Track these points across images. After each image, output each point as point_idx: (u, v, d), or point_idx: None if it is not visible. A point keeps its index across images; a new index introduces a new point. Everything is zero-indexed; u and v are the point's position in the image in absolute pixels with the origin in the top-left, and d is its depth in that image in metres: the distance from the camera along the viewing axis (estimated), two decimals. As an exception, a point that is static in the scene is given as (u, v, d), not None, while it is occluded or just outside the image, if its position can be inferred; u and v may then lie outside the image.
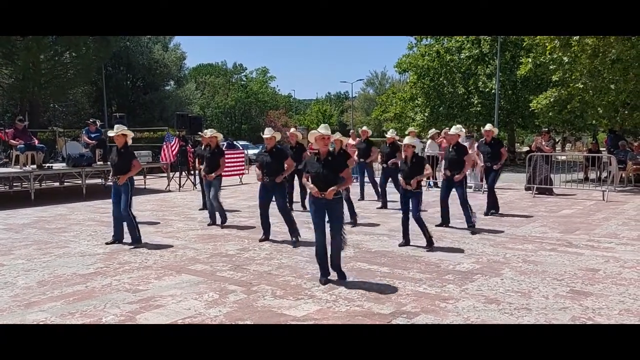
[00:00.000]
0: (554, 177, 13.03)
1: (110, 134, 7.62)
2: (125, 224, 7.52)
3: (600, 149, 19.79)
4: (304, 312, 4.61)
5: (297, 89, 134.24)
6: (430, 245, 6.97)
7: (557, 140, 28.53)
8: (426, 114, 26.08)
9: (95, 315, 4.59)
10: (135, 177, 7.57)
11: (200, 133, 12.08)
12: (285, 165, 7.54)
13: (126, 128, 7.59)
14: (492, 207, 9.80)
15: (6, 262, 6.53)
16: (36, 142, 13.58)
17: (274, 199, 7.50)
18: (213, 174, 8.84)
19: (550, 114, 17.40)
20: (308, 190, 5.60)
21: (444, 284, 5.38)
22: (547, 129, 14.58)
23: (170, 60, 36.51)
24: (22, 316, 4.58)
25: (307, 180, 5.54)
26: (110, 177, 7.78)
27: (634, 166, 15.13)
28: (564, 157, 17.97)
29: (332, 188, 5.27)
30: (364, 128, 12.02)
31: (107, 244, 7.54)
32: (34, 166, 12.72)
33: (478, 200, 11.83)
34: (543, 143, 13.01)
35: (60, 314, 4.63)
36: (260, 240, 7.62)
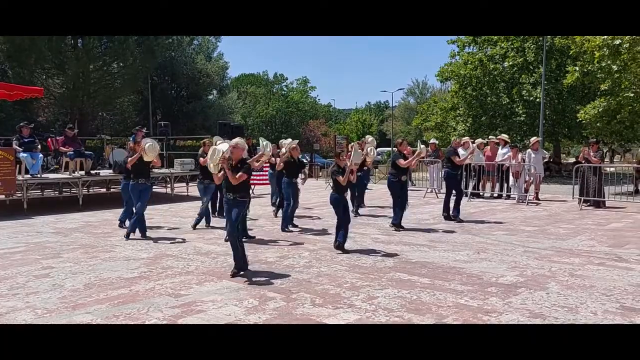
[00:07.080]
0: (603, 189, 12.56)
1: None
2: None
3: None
4: (343, 321, 4.58)
5: (337, 99, 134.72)
6: None
7: (605, 151, 27.56)
8: (468, 124, 25.66)
9: (138, 318, 4.70)
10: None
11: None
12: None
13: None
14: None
15: (55, 265, 6.77)
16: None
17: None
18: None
19: (598, 124, 16.80)
20: None
21: (487, 297, 5.25)
22: (595, 140, 14.09)
23: (213, 70, 37.25)
24: (69, 317, 4.73)
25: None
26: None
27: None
28: (612, 169, 17.29)
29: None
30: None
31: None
32: (83, 172, 13.18)
33: (521, 212, 11.51)
34: (591, 154, 12.58)
35: (105, 316, 4.76)
36: None
